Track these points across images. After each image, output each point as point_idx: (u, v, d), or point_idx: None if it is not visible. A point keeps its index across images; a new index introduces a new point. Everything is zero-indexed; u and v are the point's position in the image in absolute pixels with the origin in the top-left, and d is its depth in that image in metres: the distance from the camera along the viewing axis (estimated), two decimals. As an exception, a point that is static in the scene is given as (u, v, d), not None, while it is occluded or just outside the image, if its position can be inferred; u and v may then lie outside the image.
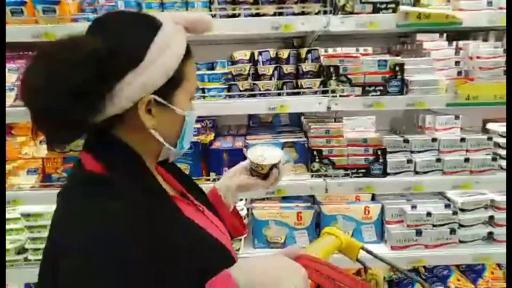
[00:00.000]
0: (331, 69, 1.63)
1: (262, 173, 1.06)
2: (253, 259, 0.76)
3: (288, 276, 0.69)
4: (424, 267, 2.02)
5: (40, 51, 0.67)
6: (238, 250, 1.77)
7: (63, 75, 0.63)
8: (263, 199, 2.00)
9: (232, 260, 0.83)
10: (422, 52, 1.86)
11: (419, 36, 1.95)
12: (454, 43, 1.85)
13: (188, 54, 0.77)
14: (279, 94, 1.71)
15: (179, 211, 0.77)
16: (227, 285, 0.69)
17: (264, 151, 1.08)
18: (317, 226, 1.83)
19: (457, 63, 1.77)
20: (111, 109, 0.70)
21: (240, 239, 1.79)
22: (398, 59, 1.67)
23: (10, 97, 1.68)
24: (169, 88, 0.74)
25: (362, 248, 0.95)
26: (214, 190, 1.07)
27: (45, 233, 1.75)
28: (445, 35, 1.94)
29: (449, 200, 1.82)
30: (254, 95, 1.70)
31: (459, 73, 1.74)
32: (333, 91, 1.62)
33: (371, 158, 1.67)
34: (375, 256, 0.95)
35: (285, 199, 1.99)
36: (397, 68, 1.63)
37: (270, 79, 1.72)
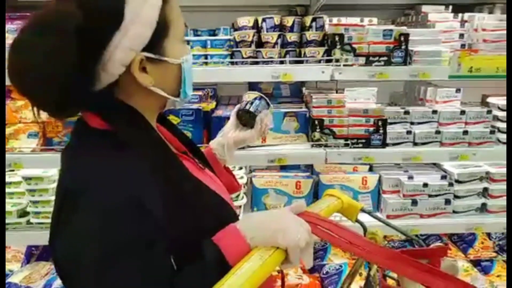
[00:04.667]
0: (336, 38, 1.61)
1: (246, 101, 1.07)
2: (258, 213, 0.78)
3: (293, 228, 0.71)
4: (417, 236, 2.07)
5: (25, 31, 0.63)
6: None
7: (50, 55, 0.60)
8: (263, 168, 2.03)
9: (236, 216, 0.85)
10: (426, 24, 1.85)
11: (424, 8, 1.93)
12: (460, 15, 1.83)
13: None
14: (281, 63, 1.70)
15: (183, 166, 0.79)
16: (234, 237, 0.71)
17: None
18: (316, 195, 1.86)
19: (461, 35, 1.77)
20: (105, 78, 0.68)
21: (240, 206, 1.82)
22: (404, 29, 1.65)
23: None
24: (156, 41, 0.71)
25: (362, 209, 0.97)
26: (209, 150, 1.08)
27: (46, 197, 1.77)
28: (450, 7, 1.92)
29: (445, 171, 1.85)
30: (257, 63, 1.69)
31: (463, 45, 1.74)
32: (337, 60, 1.62)
33: (371, 129, 1.69)
34: (374, 217, 0.97)
35: (284, 169, 2.01)
36: (402, 39, 1.62)
37: (274, 47, 1.70)
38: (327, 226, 0.77)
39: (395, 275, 0.90)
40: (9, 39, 1.70)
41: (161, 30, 0.71)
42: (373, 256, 0.74)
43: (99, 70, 0.67)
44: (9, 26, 1.72)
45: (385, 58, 1.63)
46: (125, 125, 0.72)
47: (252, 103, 1.06)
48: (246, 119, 1.07)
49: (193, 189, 0.77)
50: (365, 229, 0.96)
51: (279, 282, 0.94)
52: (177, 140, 0.89)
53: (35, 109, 0.67)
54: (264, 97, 1.09)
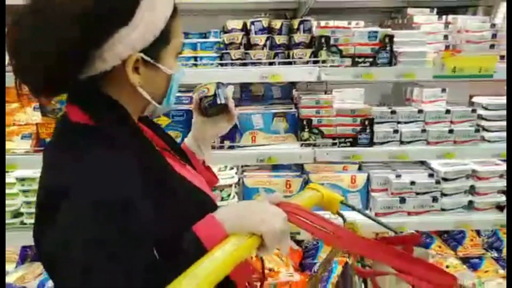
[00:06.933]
0: (322, 40, 1.65)
1: (209, 95, 1.03)
2: (236, 203, 0.81)
3: (270, 217, 0.74)
4: (407, 235, 2.10)
5: (29, 5, 0.66)
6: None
7: (52, 31, 0.63)
8: (255, 169, 2.06)
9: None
10: (412, 26, 1.89)
11: (410, 11, 1.98)
12: (444, 17, 1.88)
13: (174, 10, 0.77)
14: (270, 64, 1.74)
15: (167, 162, 0.81)
16: (212, 226, 0.73)
17: None
18: (305, 194, 1.89)
19: (445, 37, 1.81)
20: (100, 66, 0.70)
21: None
22: (388, 30, 1.69)
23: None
24: (156, 47, 0.74)
25: (342, 202, 1.01)
26: (186, 147, 1.08)
27: (40, 197, 1.80)
28: (435, 10, 1.97)
29: (432, 169, 1.88)
30: (245, 64, 1.72)
31: (447, 46, 1.78)
32: (324, 62, 1.66)
33: (358, 128, 1.72)
34: (354, 208, 1.00)
35: (275, 169, 2.04)
36: (387, 40, 1.66)
37: (262, 49, 1.74)
38: (304, 214, 0.80)
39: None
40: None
41: (163, 39, 0.75)
42: (347, 243, 0.77)
43: (95, 56, 0.69)
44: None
45: (370, 59, 1.67)
46: (108, 119, 0.73)
47: (216, 95, 1.02)
48: (217, 111, 1.05)
49: (178, 185, 0.79)
50: (344, 220, 0.99)
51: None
52: (157, 137, 0.90)
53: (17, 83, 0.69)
54: (220, 82, 1.06)
